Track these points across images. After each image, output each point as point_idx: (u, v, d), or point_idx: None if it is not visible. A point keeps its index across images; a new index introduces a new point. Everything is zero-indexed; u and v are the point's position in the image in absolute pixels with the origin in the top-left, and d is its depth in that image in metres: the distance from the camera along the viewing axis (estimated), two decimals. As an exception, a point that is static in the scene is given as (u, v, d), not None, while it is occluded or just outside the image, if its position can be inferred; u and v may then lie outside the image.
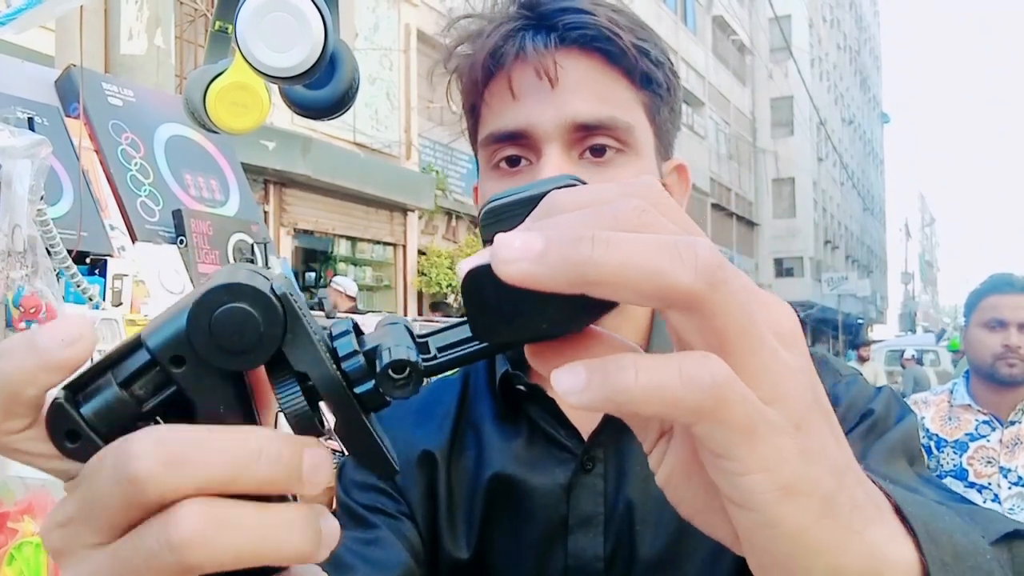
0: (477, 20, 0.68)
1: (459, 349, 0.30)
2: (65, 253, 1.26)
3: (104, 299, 1.66)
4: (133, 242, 1.85)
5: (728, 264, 0.25)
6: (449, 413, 0.73)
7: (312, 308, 2.46)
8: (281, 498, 0.27)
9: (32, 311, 1.01)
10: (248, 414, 0.28)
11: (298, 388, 0.27)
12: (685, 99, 21.26)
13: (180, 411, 0.27)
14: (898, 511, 0.32)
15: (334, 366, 0.27)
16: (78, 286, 1.50)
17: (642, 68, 0.65)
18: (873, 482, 0.31)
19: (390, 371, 0.27)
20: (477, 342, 0.29)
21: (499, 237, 0.25)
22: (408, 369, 0.28)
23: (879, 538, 0.29)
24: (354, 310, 5.49)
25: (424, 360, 0.29)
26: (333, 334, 0.29)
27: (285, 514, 0.26)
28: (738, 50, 26.84)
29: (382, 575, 0.63)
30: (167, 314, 0.27)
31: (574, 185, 0.30)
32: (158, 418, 0.27)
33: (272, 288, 0.26)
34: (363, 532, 0.66)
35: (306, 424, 0.27)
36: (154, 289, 1.88)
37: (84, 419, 0.26)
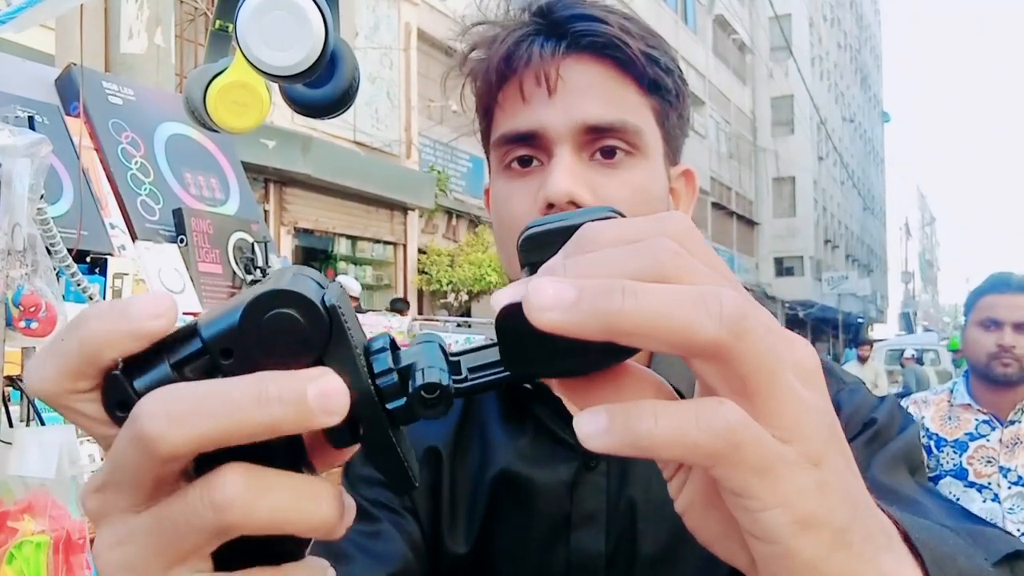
0: (491, 26, 0.70)
1: (489, 373, 0.31)
2: (65, 252, 1.27)
3: (104, 298, 1.66)
4: (133, 241, 1.85)
5: (752, 310, 0.26)
6: (455, 410, 0.74)
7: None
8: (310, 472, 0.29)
9: (32, 310, 1.01)
10: None
11: None
12: (685, 98, 21.23)
13: None
14: (906, 538, 0.33)
15: (369, 381, 0.29)
16: (78, 285, 1.50)
17: (651, 74, 0.66)
18: (882, 510, 0.32)
19: (422, 392, 0.29)
20: (500, 368, 0.31)
21: (533, 283, 0.27)
22: (439, 392, 0.29)
23: (889, 566, 0.30)
24: (356, 309, 5.50)
25: (455, 381, 0.30)
26: (371, 349, 0.30)
27: (315, 486, 0.28)
28: (738, 49, 26.84)
29: (380, 567, 0.64)
30: (225, 306, 0.28)
31: (612, 218, 0.31)
32: None
33: (323, 299, 0.28)
34: (365, 525, 0.67)
35: (338, 431, 0.29)
36: (154, 288, 1.88)
37: (136, 392, 0.27)
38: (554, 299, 0.26)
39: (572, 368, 0.30)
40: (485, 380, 0.31)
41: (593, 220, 0.31)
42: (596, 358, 0.29)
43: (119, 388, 0.28)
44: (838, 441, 0.29)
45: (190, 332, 0.28)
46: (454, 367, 0.31)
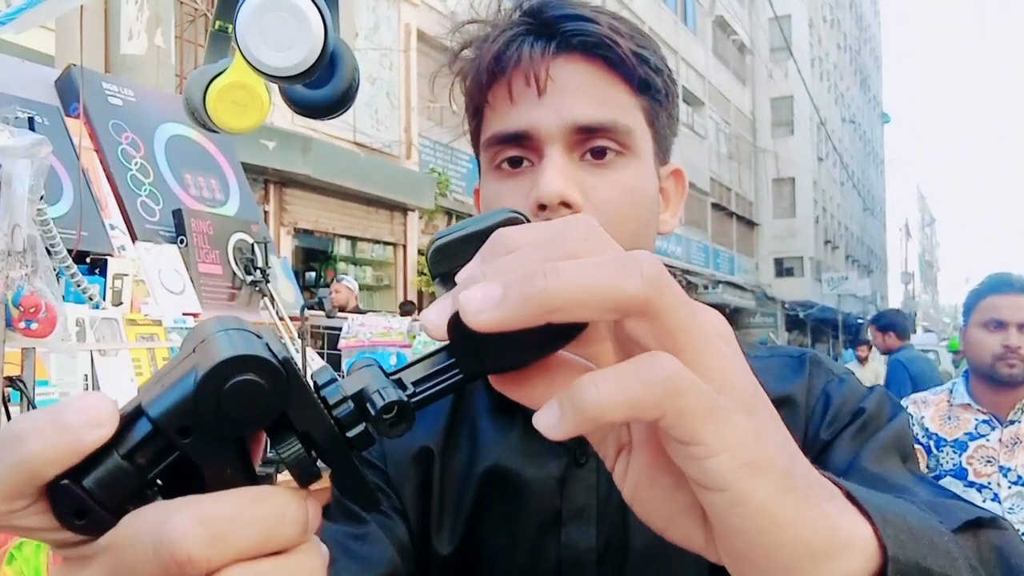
0: (482, 25, 0.70)
1: (435, 383, 0.32)
2: (65, 252, 1.27)
3: (104, 298, 1.66)
4: (133, 241, 1.85)
5: (668, 273, 0.28)
6: (445, 408, 0.74)
7: (312, 308, 2.47)
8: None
9: (32, 310, 1.01)
10: (249, 470, 0.29)
11: (298, 441, 0.28)
12: (685, 99, 21.27)
13: (182, 475, 0.28)
14: (849, 496, 0.34)
15: (331, 420, 0.29)
16: (78, 286, 1.50)
17: (641, 74, 0.67)
18: (821, 473, 0.34)
19: (383, 415, 0.29)
20: (451, 374, 0.32)
21: (462, 295, 0.28)
22: (397, 408, 0.30)
23: (836, 514, 0.32)
24: (356, 309, 5.50)
25: (408, 396, 0.31)
26: (318, 383, 0.30)
27: (306, 561, 0.28)
28: (738, 50, 26.85)
29: (365, 570, 0.64)
30: (166, 380, 0.27)
31: (517, 219, 0.33)
32: (158, 482, 0.28)
33: (275, 355, 0.27)
34: (353, 527, 0.67)
35: (309, 471, 0.29)
36: (154, 289, 1.88)
37: (89, 493, 0.26)
38: (484, 300, 0.27)
39: (523, 359, 0.31)
40: (438, 388, 0.31)
41: (497, 223, 0.32)
42: (540, 346, 0.30)
43: (72, 497, 0.26)
44: (764, 398, 0.31)
45: (135, 415, 0.27)
46: (398, 383, 0.31)
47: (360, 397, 0.30)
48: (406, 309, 8.06)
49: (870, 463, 0.58)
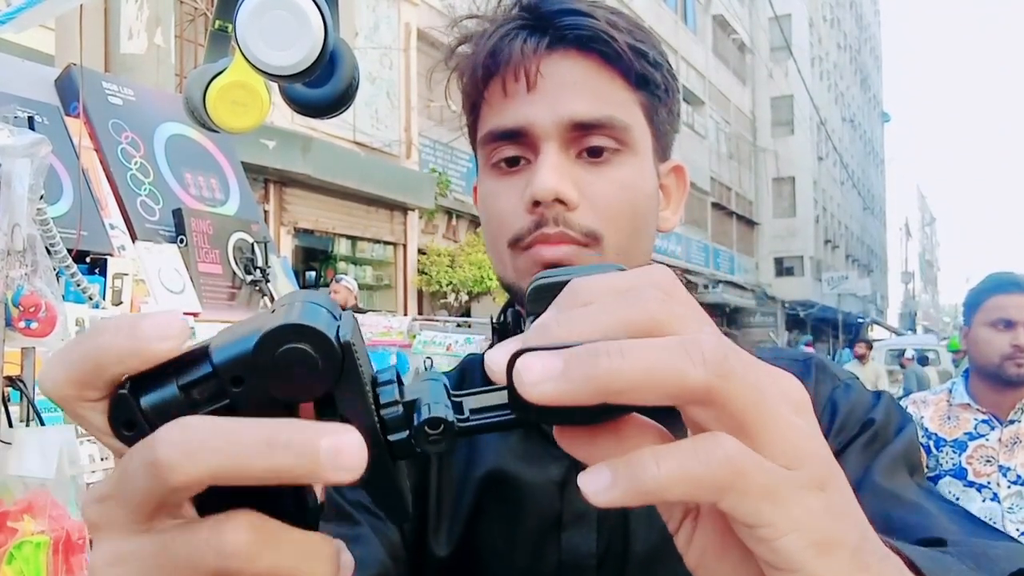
0: (479, 21, 0.69)
1: (492, 415, 0.31)
2: (65, 252, 1.27)
3: (104, 298, 1.66)
4: (133, 241, 1.85)
5: (733, 351, 0.27)
6: None
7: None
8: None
9: (32, 310, 1.01)
10: None
11: None
12: (686, 98, 21.25)
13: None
14: (911, 565, 0.34)
15: (376, 417, 0.29)
16: (78, 285, 1.50)
17: (639, 69, 0.66)
18: (883, 541, 0.33)
19: (426, 427, 0.30)
20: (504, 413, 0.31)
21: (520, 361, 0.27)
22: (443, 427, 0.30)
23: None
24: (356, 308, 5.50)
25: (459, 420, 0.31)
26: (379, 380, 0.31)
27: (317, 546, 0.29)
28: (738, 49, 26.84)
29: (355, 571, 0.63)
30: (238, 332, 0.28)
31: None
32: None
33: (338, 335, 0.28)
34: (343, 527, 0.67)
35: None
36: (154, 288, 1.88)
37: (142, 411, 0.28)
38: (542, 373, 0.27)
39: (577, 419, 0.30)
40: (489, 422, 0.31)
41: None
42: (595, 414, 0.29)
43: (125, 407, 0.28)
44: (836, 466, 0.29)
45: (201, 355, 0.28)
46: (457, 407, 0.31)
47: (412, 405, 0.30)
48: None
49: (882, 478, 0.57)
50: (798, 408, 0.29)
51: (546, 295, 0.32)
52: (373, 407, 0.29)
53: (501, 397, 0.31)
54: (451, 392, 0.32)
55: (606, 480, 0.27)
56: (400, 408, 0.30)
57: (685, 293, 0.30)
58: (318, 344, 0.27)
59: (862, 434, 0.63)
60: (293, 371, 0.27)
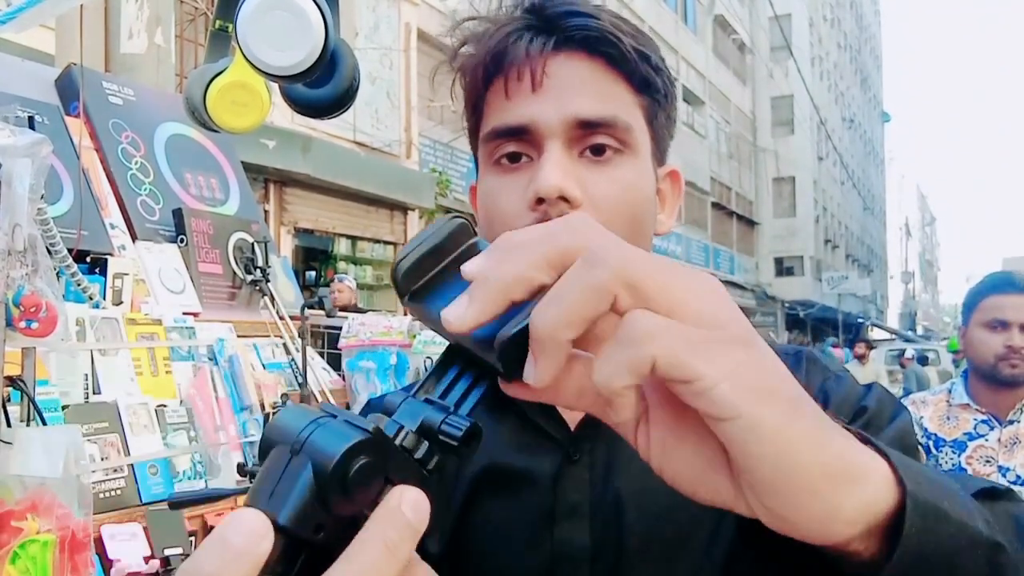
0: (482, 22, 0.70)
1: (470, 396, 0.35)
2: (65, 252, 1.27)
3: (104, 298, 1.66)
4: (133, 241, 1.85)
5: (635, 258, 0.31)
6: None
7: (312, 307, 2.48)
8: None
9: (32, 310, 1.01)
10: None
11: (388, 485, 0.31)
12: (686, 98, 21.22)
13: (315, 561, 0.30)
14: (862, 438, 0.35)
15: (416, 464, 0.32)
16: (78, 285, 1.50)
17: (642, 73, 0.67)
18: (833, 418, 0.34)
19: (466, 445, 0.33)
20: (477, 383, 0.36)
21: (443, 312, 0.33)
22: (477, 436, 0.34)
23: (851, 446, 0.33)
24: (356, 308, 5.50)
25: (451, 416, 0.34)
26: (389, 433, 0.32)
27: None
28: (738, 49, 26.83)
29: None
30: (280, 490, 0.29)
31: (466, 224, 0.38)
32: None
33: (367, 430, 0.30)
34: None
35: None
36: (154, 288, 1.88)
37: None
38: (457, 307, 0.32)
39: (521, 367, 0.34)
40: (476, 401, 0.35)
41: (450, 231, 0.37)
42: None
43: None
44: (759, 339, 0.32)
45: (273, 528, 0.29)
46: (441, 408, 0.34)
47: (427, 432, 0.33)
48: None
49: None
50: (714, 292, 0.32)
51: (414, 270, 0.36)
52: (411, 458, 0.32)
53: (448, 379, 0.35)
54: (411, 392, 0.35)
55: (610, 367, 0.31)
56: (425, 443, 0.32)
57: (599, 228, 0.33)
58: (370, 450, 0.29)
59: (854, 421, 0.63)
60: (366, 485, 0.29)
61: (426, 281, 0.36)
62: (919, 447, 2.08)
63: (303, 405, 0.32)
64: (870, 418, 0.63)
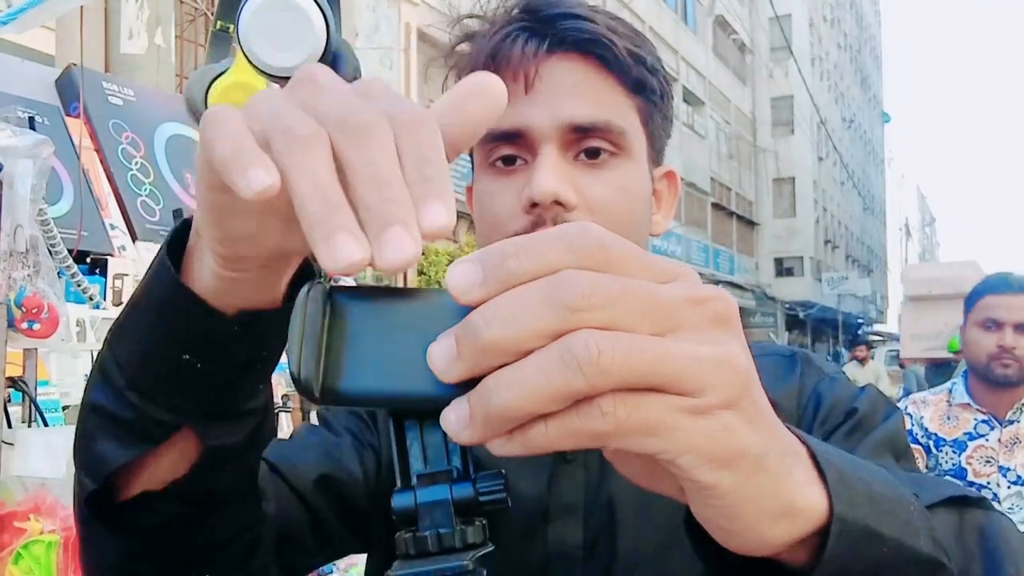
0: (479, 21, 0.70)
1: (452, 447, 0.33)
2: (66, 252, 1.27)
3: (105, 298, 1.66)
4: (134, 241, 1.85)
5: (607, 343, 0.28)
6: None
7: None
8: None
9: (34, 311, 1.01)
10: None
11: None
12: (686, 98, 21.24)
13: None
14: (813, 458, 0.36)
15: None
16: (79, 285, 1.50)
17: (636, 74, 0.67)
18: (790, 430, 0.35)
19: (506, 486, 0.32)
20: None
21: (445, 418, 0.30)
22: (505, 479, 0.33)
23: (798, 482, 0.34)
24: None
25: (477, 483, 0.33)
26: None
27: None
28: (738, 49, 26.84)
29: (329, 462, 0.67)
30: None
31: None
32: None
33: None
34: (331, 435, 0.70)
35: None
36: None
37: None
38: (456, 420, 0.29)
39: None
40: (459, 449, 0.34)
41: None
42: None
43: None
44: (752, 383, 0.31)
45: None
46: (451, 475, 0.33)
47: (470, 509, 0.32)
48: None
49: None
50: (717, 322, 0.30)
51: None
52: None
53: (437, 434, 0.33)
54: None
55: (463, 412, 0.29)
56: (478, 523, 0.32)
57: (612, 256, 0.30)
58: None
59: (846, 422, 0.64)
60: None
61: (324, 367, 0.30)
62: (910, 447, 2.08)
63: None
64: (860, 419, 0.64)
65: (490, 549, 0.31)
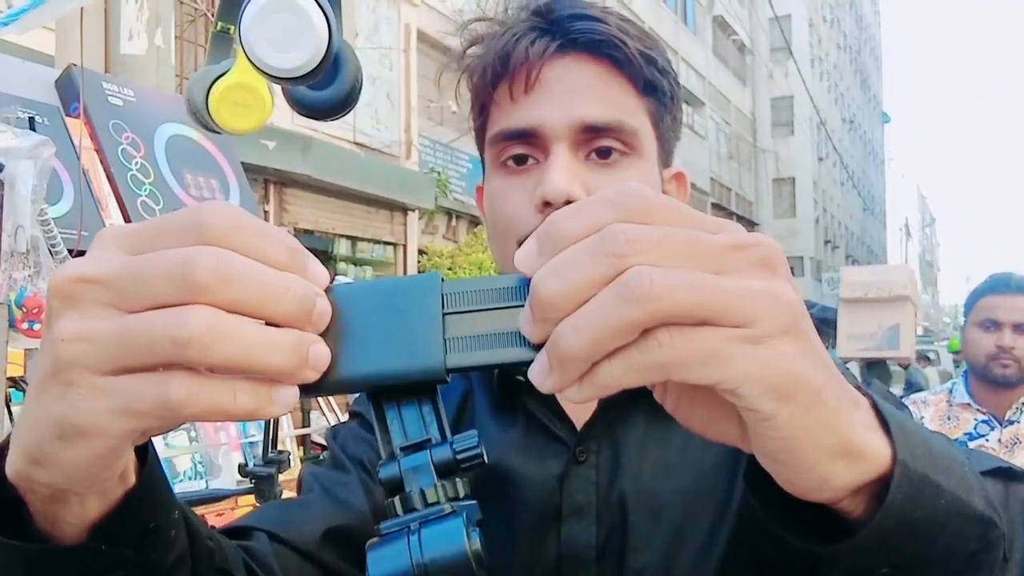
0: (490, 24, 0.70)
1: (429, 419, 0.36)
2: (66, 253, 1.27)
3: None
4: (134, 242, 1.85)
5: (663, 277, 0.29)
6: (453, 405, 0.75)
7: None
8: None
9: (35, 311, 1.01)
10: None
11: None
12: (686, 99, 21.22)
13: None
14: (875, 408, 0.37)
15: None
16: (79, 286, 1.50)
17: (648, 76, 0.67)
18: (853, 384, 0.36)
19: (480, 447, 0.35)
20: (423, 404, 0.36)
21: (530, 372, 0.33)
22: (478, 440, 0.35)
23: (857, 424, 0.34)
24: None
25: (453, 443, 0.35)
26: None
27: (277, 336, 0.31)
28: (738, 50, 26.83)
29: (337, 511, 0.66)
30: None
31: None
32: None
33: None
34: (336, 474, 0.70)
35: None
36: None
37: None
38: (542, 373, 0.32)
39: None
40: (435, 418, 0.36)
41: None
42: None
43: None
44: (803, 316, 0.32)
45: None
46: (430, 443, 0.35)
47: (450, 470, 0.34)
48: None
49: None
50: (764, 266, 0.32)
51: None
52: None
53: (414, 410, 0.36)
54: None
55: (543, 364, 0.31)
56: (459, 480, 0.34)
57: (654, 209, 0.32)
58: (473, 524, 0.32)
59: None
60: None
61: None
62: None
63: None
64: None
65: (473, 503, 0.33)
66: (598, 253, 0.30)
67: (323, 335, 0.32)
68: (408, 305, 0.33)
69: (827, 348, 0.35)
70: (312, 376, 0.32)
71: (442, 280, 0.34)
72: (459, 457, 0.34)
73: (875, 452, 0.35)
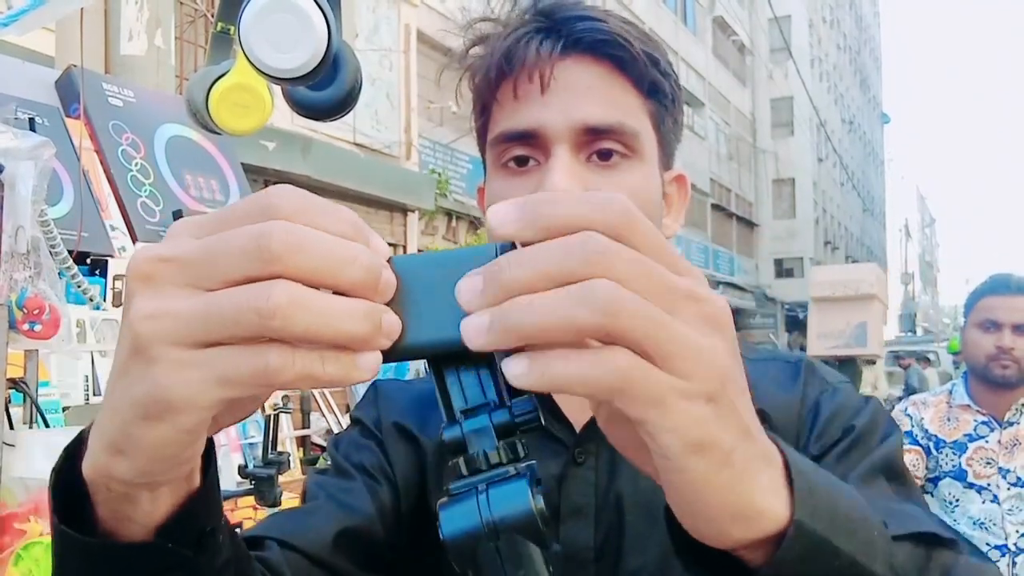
0: (493, 24, 0.70)
1: (487, 384, 0.37)
2: (66, 254, 1.27)
3: (105, 299, 1.66)
4: (134, 242, 1.85)
5: (624, 298, 0.31)
6: None
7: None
8: None
9: (36, 312, 1.01)
10: None
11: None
12: (686, 100, 21.16)
13: None
14: (786, 467, 0.37)
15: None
16: (79, 286, 1.50)
17: (650, 77, 0.67)
18: (771, 439, 0.38)
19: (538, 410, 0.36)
20: (482, 370, 0.37)
21: (464, 327, 0.33)
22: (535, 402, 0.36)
23: (763, 491, 0.36)
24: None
25: (512, 406, 0.36)
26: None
27: (352, 306, 0.32)
28: (738, 50, 26.84)
29: (343, 516, 0.66)
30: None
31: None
32: None
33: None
34: (340, 480, 0.70)
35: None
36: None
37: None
38: (477, 328, 0.32)
39: None
40: (493, 383, 0.37)
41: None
42: None
43: None
44: (736, 377, 0.34)
45: None
46: (490, 406, 0.36)
47: (510, 431, 0.36)
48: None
49: (856, 484, 0.58)
50: (713, 326, 0.33)
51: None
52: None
53: (472, 376, 0.37)
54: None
55: (523, 367, 0.32)
56: (518, 442, 0.35)
57: (635, 231, 0.32)
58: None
59: (842, 440, 0.64)
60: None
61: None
62: (915, 450, 2.09)
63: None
64: (858, 437, 0.64)
65: (533, 463, 0.35)
66: (571, 255, 0.31)
67: (387, 305, 0.34)
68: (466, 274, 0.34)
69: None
70: (385, 344, 0.33)
71: (498, 250, 0.35)
72: (517, 420, 0.35)
73: (774, 514, 0.36)
